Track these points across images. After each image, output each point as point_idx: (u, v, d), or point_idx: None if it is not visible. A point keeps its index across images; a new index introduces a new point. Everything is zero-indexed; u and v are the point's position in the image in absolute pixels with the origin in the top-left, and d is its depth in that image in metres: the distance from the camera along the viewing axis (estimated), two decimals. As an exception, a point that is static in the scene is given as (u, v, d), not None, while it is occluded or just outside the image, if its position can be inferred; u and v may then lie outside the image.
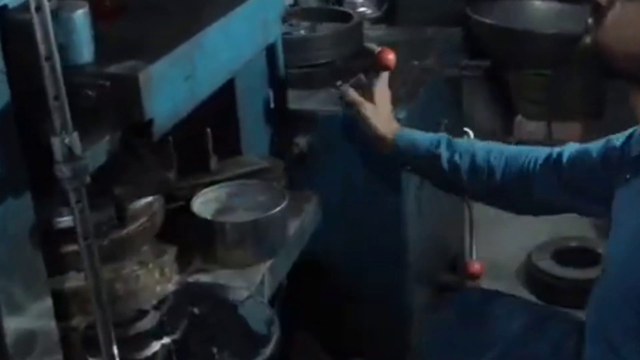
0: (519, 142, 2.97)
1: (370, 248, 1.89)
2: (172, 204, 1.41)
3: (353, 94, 1.69)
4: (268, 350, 1.21)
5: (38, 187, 1.04)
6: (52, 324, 1.08)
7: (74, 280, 1.19)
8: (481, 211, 2.34)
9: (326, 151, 1.80)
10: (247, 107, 1.56)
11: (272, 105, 1.67)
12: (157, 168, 1.34)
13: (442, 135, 1.64)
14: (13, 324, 1.00)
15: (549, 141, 2.83)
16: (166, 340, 1.20)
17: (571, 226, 2.60)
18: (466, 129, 2.10)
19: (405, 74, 1.95)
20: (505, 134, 3.05)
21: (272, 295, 1.43)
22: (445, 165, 1.60)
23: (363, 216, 1.87)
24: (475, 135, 2.21)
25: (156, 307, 1.24)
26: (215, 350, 1.20)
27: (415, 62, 2.02)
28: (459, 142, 1.64)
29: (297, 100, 1.79)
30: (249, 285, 1.34)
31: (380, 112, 1.68)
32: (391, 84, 1.74)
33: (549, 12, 2.94)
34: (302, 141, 1.77)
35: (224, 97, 1.44)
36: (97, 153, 1.05)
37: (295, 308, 1.74)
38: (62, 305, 1.16)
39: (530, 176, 1.54)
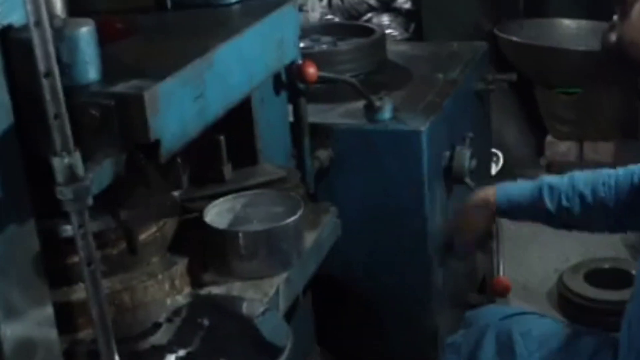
0: (549, 164, 2.92)
1: (394, 265, 1.87)
2: (185, 216, 1.39)
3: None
4: (281, 364, 1.20)
5: (44, 196, 1.00)
6: (54, 333, 1.06)
7: (82, 292, 1.16)
8: (511, 232, 2.31)
9: (347, 165, 1.80)
10: (264, 120, 1.54)
11: (290, 118, 1.66)
12: (164, 190, 1.31)
13: (541, 182, 1.58)
14: (10, 331, 0.99)
15: (580, 162, 2.78)
16: (180, 353, 1.19)
17: (603, 247, 2.55)
18: (495, 151, 2.06)
19: (429, 87, 1.93)
20: (536, 154, 3.00)
21: (288, 308, 1.41)
22: (554, 212, 1.56)
23: (386, 232, 1.85)
24: (504, 157, 2.15)
25: (170, 320, 1.24)
26: (227, 363, 1.20)
27: (440, 75, 2.00)
28: (560, 183, 1.57)
29: (319, 114, 1.79)
30: (263, 297, 1.31)
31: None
32: (414, 96, 1.70)
33: (579, 30, 2.90)
34: (323, 155, 1.77)
35: (241, 109, 1.42)
36: (101, 175, 1.00)
37: (313, 324, 1.73)
38: (69, 317, 1.15)
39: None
